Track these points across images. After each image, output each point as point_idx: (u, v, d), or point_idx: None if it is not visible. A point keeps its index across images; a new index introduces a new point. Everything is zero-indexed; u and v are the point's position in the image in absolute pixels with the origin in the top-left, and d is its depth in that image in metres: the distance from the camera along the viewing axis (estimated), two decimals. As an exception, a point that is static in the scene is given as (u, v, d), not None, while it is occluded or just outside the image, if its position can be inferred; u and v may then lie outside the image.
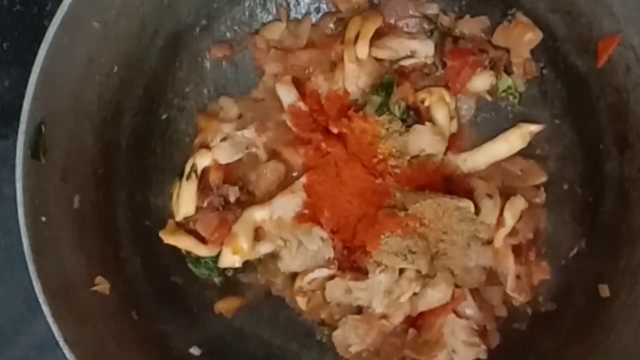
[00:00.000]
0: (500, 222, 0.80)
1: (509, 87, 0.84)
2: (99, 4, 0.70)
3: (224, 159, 0.83)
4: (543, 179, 0.84)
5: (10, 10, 0.91)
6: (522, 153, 0.84)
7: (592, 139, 0.81)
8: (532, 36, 0.81)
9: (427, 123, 0.81)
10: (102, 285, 0.74)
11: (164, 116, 0.86)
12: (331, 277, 0.81)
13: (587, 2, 0.75)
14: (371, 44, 0.81)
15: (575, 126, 0.83)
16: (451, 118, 0.84)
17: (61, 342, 0.66)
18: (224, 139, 0.83)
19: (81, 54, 0.71)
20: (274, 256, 0.84)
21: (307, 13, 0.88)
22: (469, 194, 0.80)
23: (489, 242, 0.80)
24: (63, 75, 0.70)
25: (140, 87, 0.81)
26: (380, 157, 0.81)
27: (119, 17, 0.73)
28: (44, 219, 0.69)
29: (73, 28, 0.68)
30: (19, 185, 0.67)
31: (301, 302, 0.83)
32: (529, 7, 0.81)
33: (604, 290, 0.76)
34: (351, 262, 0.81)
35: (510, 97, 0.85)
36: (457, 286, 0.80)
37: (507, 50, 0.84)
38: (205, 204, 0.82)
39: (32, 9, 0.91)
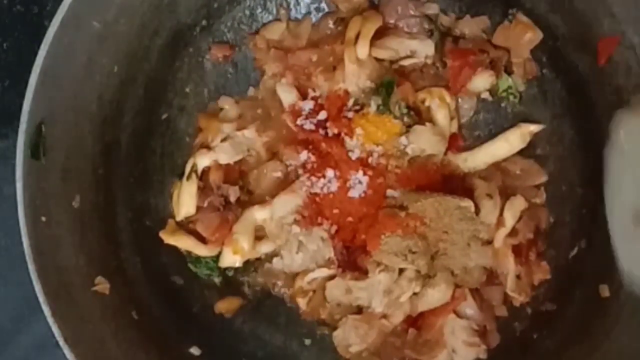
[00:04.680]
0: (500, 222, 0.80)
1: (510, 87, 0.84)
2: (99, 4, 0.70)
3: (224, 159, 0.83)
4: (543, 179, 0.84)
5: (10, 10, 0.91)
6: (522, 153, 0.84)
7: (592, 139, 0.81)
8: (532, 36, 0.81)
9: (427, 123, 0.81)
10: (102, 285, 0.74)
11: (164, 116, 0.86)
12: (331, 277, 0.81)
13: (587, 2, 0.74)
14: (371, 44, 0.81)
15: (575, 126, 0.83)
16: (451, 118, 0.83)
17: (61, 342, 0.66)
18: (224, 139, 0.83)
19: (81, 54, 0.71)
20: (274, 256, 0.84)
21: (307, 13, 0.88)
22: (468, 194, 0.81)
23: (489, 242, 0.80)
24: (63, 75, 0.69)
25: (140, 87, 0.81)
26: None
27: (119, 17, 0.73)
28: (44, 219, 0.69)
29: (73, 28, 0.68)
30: (19, 185, 0.67)
31: (301, 302, 0.83)
32: (529, 7, 0.81)
33: (604, 290, 0.76)
34: (351, 262, 0.81)
35: (511, 97, 0.85)
36: (457, 286, 0.80)
37: (508, 50, 0.84)
38: (205, 204, 0.82)
39: (32, 8, 0.91)
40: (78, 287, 0.72)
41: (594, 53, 0.76)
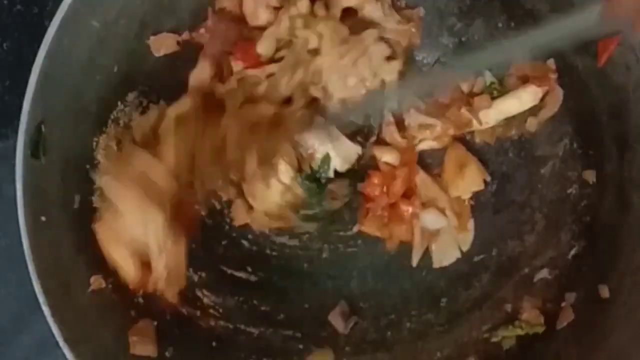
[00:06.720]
0: None
1: (492, 83, 0.85)
2: (99, 4, 0.70)
3: None
4: None
5: (10, 10, 0.91)
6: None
7: (592, 139, 0.81)
8: None
9: None
10: (97, 282, 0.73)
11: (164, 116, 0.86)
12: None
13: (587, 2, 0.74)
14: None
15: (575, 126, 0.83)
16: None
17: (61, 342, 0.66)
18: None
19: (81, 54, 0.71)
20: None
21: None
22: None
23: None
24: (63, 75, 0.70)
25: (140, 87, 0.81)
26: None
27: (119, 17, 0.73)
28: (43, 218, 0.69)
29: (73, 28, 0.68)
30: (18, 185, 0.67)
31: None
32: (529, 8, 0.81)
33: (604, 291, 0.76)
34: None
35: (495, 92, 0.86)
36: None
37: None
38: None
39: (32, 9, 0.91)
40: (78, 287, 0.72)
41: (594, 53, 0.76)
